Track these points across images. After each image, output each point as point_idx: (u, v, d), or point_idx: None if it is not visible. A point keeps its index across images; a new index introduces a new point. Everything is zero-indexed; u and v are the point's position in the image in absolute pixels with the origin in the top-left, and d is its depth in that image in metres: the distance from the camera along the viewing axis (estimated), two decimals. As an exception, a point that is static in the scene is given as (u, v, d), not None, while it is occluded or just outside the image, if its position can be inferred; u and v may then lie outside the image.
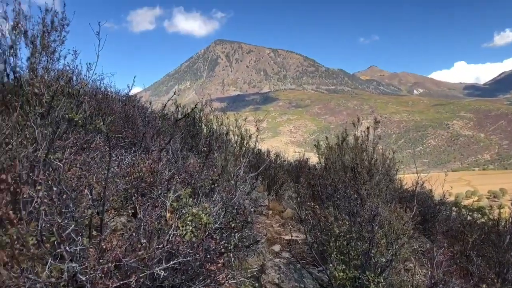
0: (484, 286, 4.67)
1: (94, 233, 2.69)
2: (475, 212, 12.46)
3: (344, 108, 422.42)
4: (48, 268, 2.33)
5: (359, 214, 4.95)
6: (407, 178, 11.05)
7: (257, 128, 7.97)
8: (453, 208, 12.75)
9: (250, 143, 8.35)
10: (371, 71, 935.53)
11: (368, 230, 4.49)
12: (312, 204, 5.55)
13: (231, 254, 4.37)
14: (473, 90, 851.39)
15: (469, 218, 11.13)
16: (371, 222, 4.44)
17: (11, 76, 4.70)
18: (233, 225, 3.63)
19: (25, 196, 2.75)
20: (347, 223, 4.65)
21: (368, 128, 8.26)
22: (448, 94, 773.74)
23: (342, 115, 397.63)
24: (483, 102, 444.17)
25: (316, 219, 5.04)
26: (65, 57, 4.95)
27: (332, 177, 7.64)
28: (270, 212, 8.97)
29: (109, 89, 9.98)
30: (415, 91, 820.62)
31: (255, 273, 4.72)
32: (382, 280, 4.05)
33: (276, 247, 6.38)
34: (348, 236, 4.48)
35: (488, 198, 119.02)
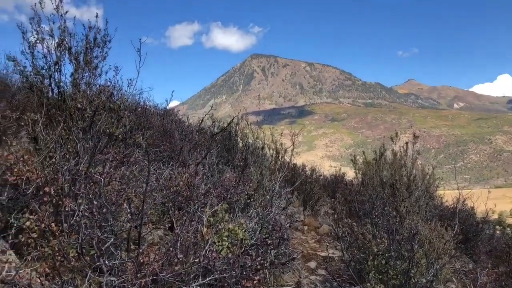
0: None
1: (132, 246, 2.72)
2: (521, 231, 11.90)
3: (382, 122, 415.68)
4: (88, 280, 2.37)
5: (398, 232, 4.80)
6: (447, 195, 10.70)
7: (293, 142, 7.94)
8: (497, 226, 12.24)
9: (285, 157, 8.32)
10: (409, 85, 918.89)
11: (407, 249, 4.36)
12: (350, 221, 5.45)
13: (266, 271, 4.33)
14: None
15: (514, 237, 10.65)
16: (411, 241, 4.30)
17: (55, 90, 4.88)
18: (269, 241, 3.60)
19: (67, 209, 2.82)
20: (386, 241, 4.53)
21: (406, 143, 8.07)
22: (490, 108, 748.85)
23: (379, 129, 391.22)
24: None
25: (354, 237, 4.93)
26: (106, 73, 5.11)
27: (370, 193, 7.48)
28: (306, 227, 8.86)
29: (147, 103, 10.23)
30: (455, 105, 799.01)
31: (291, 290, 4.65)
32: (423, 302, 3.91)
33: (312, 264, 6.28)
34: (386, 254, 4.36)
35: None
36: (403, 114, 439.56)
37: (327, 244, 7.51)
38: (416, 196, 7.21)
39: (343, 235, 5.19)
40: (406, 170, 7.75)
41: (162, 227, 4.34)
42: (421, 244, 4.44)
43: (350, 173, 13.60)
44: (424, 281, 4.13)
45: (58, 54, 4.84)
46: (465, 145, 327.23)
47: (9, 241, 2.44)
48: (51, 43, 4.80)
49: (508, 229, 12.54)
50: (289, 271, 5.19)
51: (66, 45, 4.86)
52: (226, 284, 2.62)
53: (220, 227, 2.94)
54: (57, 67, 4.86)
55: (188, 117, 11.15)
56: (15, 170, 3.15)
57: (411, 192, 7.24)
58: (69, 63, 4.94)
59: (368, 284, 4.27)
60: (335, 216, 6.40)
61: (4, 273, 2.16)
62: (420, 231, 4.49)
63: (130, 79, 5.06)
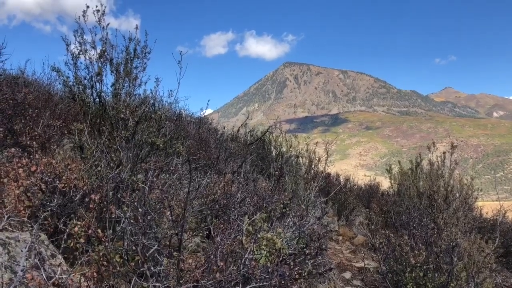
0: None
1: (174, 253, 2.80)
2: None
3: (417, 131, 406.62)
4: (133, 286, 2.46)
5: (436, 244, 4.72)
6: (487, 206, 10.39)
7: (327, 151, 7.92)
8: (541, 240, 11.76)
9: (319, 166, 8.30)
10: (446, 93, 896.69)
11: (446, 261, 4.28)
12: (386, 232, 5.39)
13: (303, 280, 4.34)
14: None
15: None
16: (450, 253, 4.23)
17: (97, 100, 5.08)
18: (307, 251, 3.62)
19: (112, 215, 2.93)
20: (424, 253, 4.46)
21: (444, 152, 7.92)
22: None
23: (415, 138, 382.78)
24: None
25: (391, 248, 4.87)
26: (145, 83, 5.27)
27: (407, 204, 7.37)
28: (340, 237, 8.80)
29: (183, 112, 10.43)
30: (494, 114, 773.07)
31: (326, 300, 4.64)
32: (463, 317, 3.82)
33: (347, 275, 6.22)
34: (424, 267, 4.30)
35: None
36: (439, 122, 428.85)
37: (363, 254, 7.43)
38: (454, 207, 7.06)
39: (380, 246, 5.14)
40: (443, 181, 7.60)
41: (200, 234, 4.42)
42: (460, 257, 4.35)
43: (384, 183, 13.41)
44: (464, 295, 4.05)
45: (100, 65, 5.04)
46: (505, 155, 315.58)
47: (62, 246, 2.56)
48: (93, 54, 5.01)
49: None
50: (325, 281, 5.17)
51: (107, 56, 5.06)
52: (265, 293, 2.66)
53: (259, 236, 2.99)
54: (98, 77, 5.07)
55: (224, 127, 11.28)
56: (64, 178, 3.31)
57: (449, 203, 7.09)
58: (110, 74, 5.14)
59: (406, 297, 4.21)
60: (371, 226, 6.33)
61: (57, 276, 2.27)
62: (459, 244, 4.40)
63: (170, 90, 5.20)
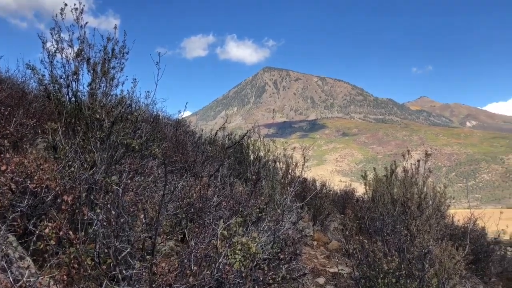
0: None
1: (147, 257, 2.76)
2: (533, 254, 11.72)
3: (393, 139, 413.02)
4: (104, 289, 2.41)
5: (409, 251, 4.79)
6: (458, 214, 10.61)
7: (304, 157, 7.96)
8: (508, 248, 12.06)
9: (296, 171, 8.35)
10: (422, 101, 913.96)
11: (418, 268, 4.35)
12: (360, 238, 5.44)
13: (276, 285, 4.34)
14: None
15: (526, 260, 10.49)
16: (422, 260, 4.30)
17: (73, 100, 4.99)
18: (281, 256, 3.62)
19: (84, 217, 2.88)
20: (397, 259, 4.51)
21: (418, 160, 8.06)
22: (503, 127, 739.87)
23: (390, 146, 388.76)
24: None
25: (364, 254, 4.92)
26: (123, 83, 5.20)
27: (381, 211, 7.47)
28: (315, 243, 8.84)
29: (161, 114, 10.33)
30: (467, 123, 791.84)
31: (300, 306, 4.65)
32: (433, 322, 3.88)
33: (321, 280, 6.25)
34: (397, 273, 4.35)
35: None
36: (414, 131, 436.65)
37: (337, 260, 7.48)
38: (427, 214, 7.18)
39: (354, 252, 5.19)
40: (417, 188, 7.73)
41: (174, 238, 4.38)
42: (432, 264, 4.42)
43: (360, 189, 13.56)
44: (435, 301, 4.11)
45: (77, 64, 4.95)
46: (477, 164, 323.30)
47: (31, 248, 2.50)
48: (70, 53, 4.92)
49: (519, 250, 12.36)
50: (298, 287, 5.18)
51: (85, 55, 4.97)
52: (238, 298, 2.65)
53: (234, 240, 2.98)
54: (75, 76, 4.98)
55: (202, 130, 11.23)
56: (35, 178, 3.23)
57: (422, 210, 7.21)
58: (87, 73, 5.05)
59: (378, 302, 4.26)
60: (345, 232, 6.38)
61: (24, 279, 2.21)
62: (431, 250, 4.47)
63: (147, 91, 5.15)
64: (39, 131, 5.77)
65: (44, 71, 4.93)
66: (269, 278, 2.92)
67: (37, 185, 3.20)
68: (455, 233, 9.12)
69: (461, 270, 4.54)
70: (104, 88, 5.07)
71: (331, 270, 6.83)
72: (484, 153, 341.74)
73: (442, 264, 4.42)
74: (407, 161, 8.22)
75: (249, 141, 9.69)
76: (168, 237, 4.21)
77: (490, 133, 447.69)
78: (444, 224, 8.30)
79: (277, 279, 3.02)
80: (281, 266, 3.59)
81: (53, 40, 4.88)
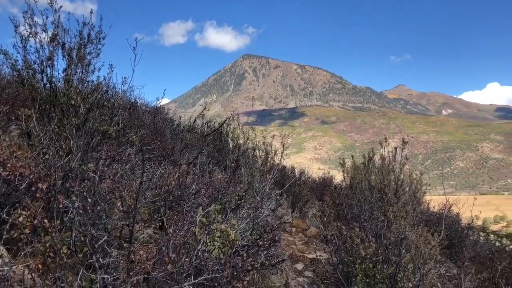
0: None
1: (125, 245, 2.74)
2: (504, 238, 12.10)
3: (370, 126, 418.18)
4: (80, 278, 2.38)
5: (385, 237, 4.87)
6: (434, 200, 10.82)
7: (283, 145, 7.98)
8: (481, 233, 12.41)
9: (275, 159, 8.37)
10: (399, 90, 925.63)
11: (395, 253, 4.42)
12: (338, 224, 5.50)
13: (255, 272, 4.36)
14: (505, 112, 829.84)
15: (497, 244, 10.81)
16: (398, 245, 4.38)
17: (47, 86, 4.86)
18: (260, 243, 3.63)
19: (60, 205, 2.82)
20: (374, 245, 4.59)
21: (395, 148, 8.16)
22: (477, 116, 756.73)
23: (368, 133, 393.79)
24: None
25: (342, 240, 4.98)
26: (99, 69, 5.09)
27: (358, 197, 7.56)
28: (294, 229, 8.92)
29: (138, 101, 10.19)
30: (443, 112, 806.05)
31: (279, 291, 4.69)
32: (409, 306, 3.97)
33: (299, 266, 6.32)
34: (374, 258, 4.42)
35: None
36: (392, 119, 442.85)
37: (315, 246, 7.56)
38: (403, 201, 7.29)
39: (332, 238, 5.25)
40: (394, 175, 7.83)
41: (152, 225, 4.35)
42: (408, 249, 4.50)
43: (338, 176, 13.69)
44: (410, 285, 4.19)
45: (51, 49, 4.81)
46: (452, 151, 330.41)
47: (4, 237, 2.44)
48: (44, 38, 4.77)
49: (492, 235, 12.75)
50: (277, 273, 5.23)
51: (60, 40, 4.84)
52: (217, 284, 2.65)
53: (213, 227, 2.97)
54: (49, 62, 4.84)
55: (181, 117, 11.12)
56: (8, 165, 3.15)
57: (399, 197, 7.32)
58: (62, 59, 4.92)
59: (356, 287, 4.33)
60: (324, 218, 6.45)
61: (-3, 268, 2.16)
62: (407, 236, 4.56)
63: (124, 77, 5.05)
64: (13, 118, 5.63)
65: (17, 56, 4.78)
66: (248, 264, 2.93)
67: (10, 173, 3.12)
68: (431, 219, 9.31)
69: (436, 255, 4.65)
70: (80, 74, 4.95)
71: (310, 256, 6.91)
72: (459, 141, 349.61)
73: (418, 249, 4.50)
74: (384, 148, 8.32)
75: (228, 129, 9.65)
76: (147, 225, 4.18)
77: (465, 121, 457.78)
78: (420, 210, 8.45)
79: (256, 266, 3.03)
80: (260, 252, 3.61)
81: (26, 24, 4.73)
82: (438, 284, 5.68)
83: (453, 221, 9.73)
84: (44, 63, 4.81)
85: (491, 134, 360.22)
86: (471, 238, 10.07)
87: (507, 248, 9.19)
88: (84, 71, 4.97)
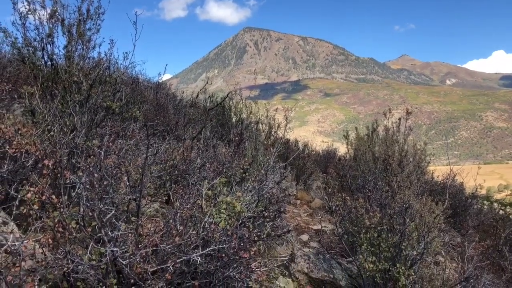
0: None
1: (133, 218, 2.77)
2: (508, 207, 12.15)
3: (374, 98, 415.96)
4: (90, 251, 2.42)
5: (390, 206, 4.90)
6: (438, 170, 10.84)
7: (286, 118, 7.97)
8: (485, 202, 12.46)
9: (278, 133, 8.38)
10: (402, 60, 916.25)
11: (399, 222, 4.46)
12: (343, 195, 5.54)
13: (262, 243, 4.43)
14: (511, 80, 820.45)
15: (501, 212, 10.87)
16: (403, 215, 4.41)
17: (49, 63, 4.83)
18: (265, 214, 3.67)
19: (67, 181, 2.85)
20: (378, 215, 4.62)
21: (399, 119, 8.14)
22: (482, 85, 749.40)
23: (371, 105, 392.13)
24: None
25: (347, 210, 5.03)
26: (100, 45, 5.05)
27: (362, 168, 7.59)
28: (298, 201, 9.00)
29: (140, 77, 10.15)
30: (447, 81, 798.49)
31: (285, 262, 4.77)
32: (413, 273, 4.03)
33: (304, 237, 6.40)
34: (379, 228, 4.46)
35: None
36: (395, 90, 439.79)
37: (320, 217, 7.64)
38: (407, 171, 7.32)
39: (336, 208, 5.29)
40: (398, 146, 7.84)
41: (158, 200, 4.39)
42: (412, 218, 4.54)
43: (341, 149, 13.72)
44: (415, 253, 4.25)
45: (51, 26, 4.77)
46: (456, 121, 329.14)
47: (14, 213, 2.48)
48: (43, 14, 4.72)
49: (495, 204, 12.80)
50: (283, 244, 5.31)
51: (59, 16, 4.79)
52: (224, 255, 2.70)
53: (218, 200, 3.00)
54: (49, 39, 4.80)
55: (183, 92, 11.08)
56: (14, 143, 3.17)
57: (403, 167, 7.34)
58: (62, 35, 4.87)
59: (361, 256, 4.38)
60: (328, 190, 6.49)
61: (9, 243, 2.20)
62: (412, 205, 4.59)
63: (126, 53, 5.02)
64: (16, 96, 5.63)
65: (16, 34, 4.74)
66: (254, 235, 2.97)
67: (17, 150, 3.14)
68: (435, 188, 9.35)
69: (440, 223, 4.69)
70: (81, 51, 4.92)
71: (314, 227, 6.99)
72: (463, 110, 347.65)
73: (422, 218, 4.54)
74: (388, 119, 8.30)
75: (231, 103, 9.63)
76: (153, 199, 4.22)
77: (470, 90, 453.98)
78: (424, 180, 8.49)
79: (262, 236, 3.07)
80: (265, 223, 3.65)
81: (24, 0, 4.67)
82: (442, 252, 5.76)
83: (457, 191, 9.78)
84: (44, 40, 4.77)
85: (495, 103, 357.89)
86: (475, 207, 10.13)
87: (510, 216, 9.24)
88: (84, 47, 4.94)
